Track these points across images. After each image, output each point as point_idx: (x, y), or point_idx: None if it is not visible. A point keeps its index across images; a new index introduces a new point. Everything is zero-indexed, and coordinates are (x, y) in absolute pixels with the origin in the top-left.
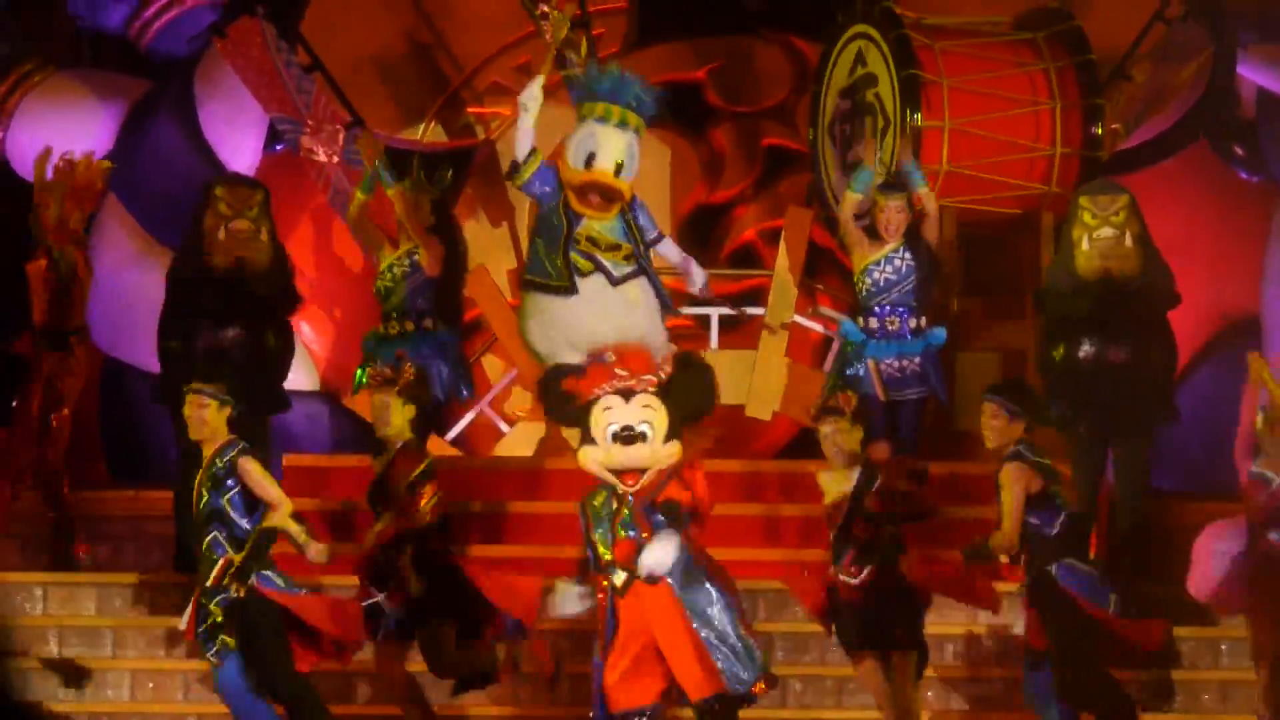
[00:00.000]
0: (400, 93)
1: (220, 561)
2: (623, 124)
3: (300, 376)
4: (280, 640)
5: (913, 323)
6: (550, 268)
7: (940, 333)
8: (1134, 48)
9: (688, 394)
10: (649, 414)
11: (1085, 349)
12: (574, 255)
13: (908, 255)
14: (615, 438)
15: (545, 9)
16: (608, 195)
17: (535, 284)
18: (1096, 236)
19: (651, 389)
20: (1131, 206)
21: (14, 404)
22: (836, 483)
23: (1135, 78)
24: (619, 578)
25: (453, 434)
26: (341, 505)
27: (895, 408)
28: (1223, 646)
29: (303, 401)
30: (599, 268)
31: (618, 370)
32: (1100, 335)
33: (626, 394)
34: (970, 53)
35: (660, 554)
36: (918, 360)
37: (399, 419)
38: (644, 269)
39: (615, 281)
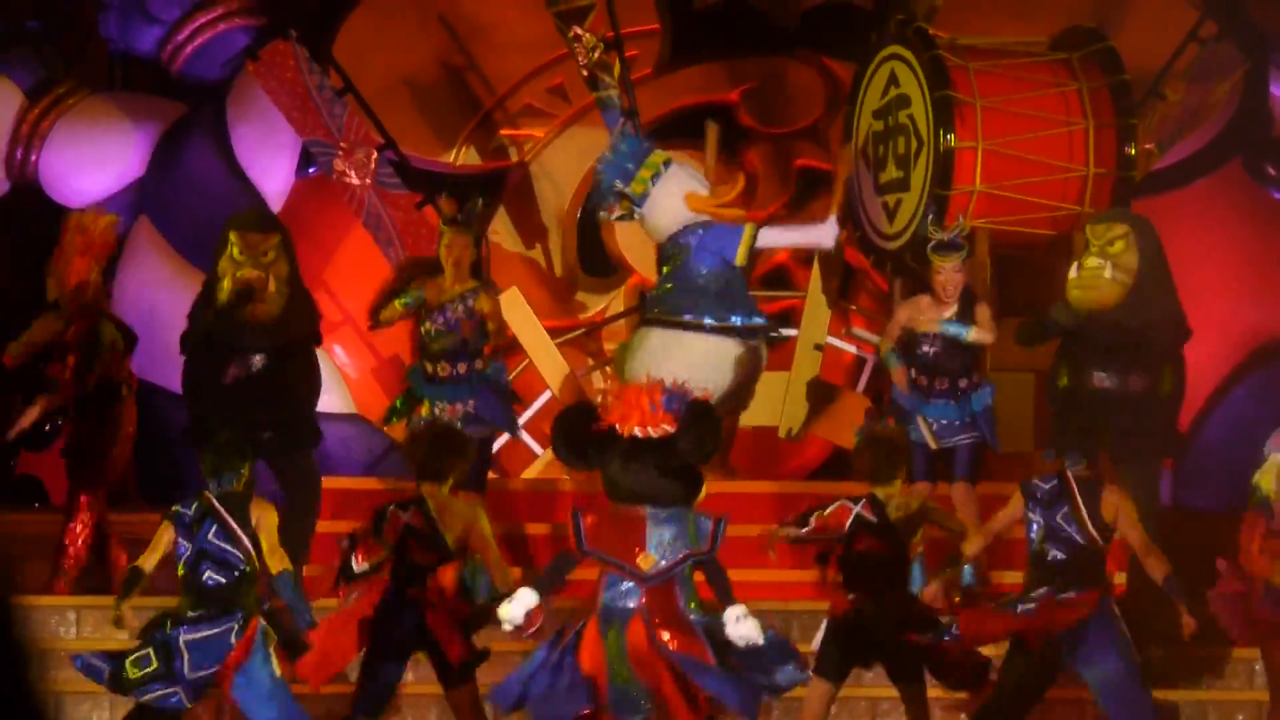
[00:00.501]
0: (433, 115)
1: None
2: (667, 163)
3: (334, 399)
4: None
5: (962, 382)
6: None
7: (987, 392)
8: (1167, 68)
9: (697, 440)
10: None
11: (1083, 377)
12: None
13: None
14: None
15: (578, 31)
16: None
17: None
18: (1083, 265)
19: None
20: (1129, 238)
21: (101, 426)
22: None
23: (1169, 98)
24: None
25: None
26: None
27: (948, 453)
28: (1256, 667)
29: (336, 424)
30: None
31: (650, 409)
32: (1094, 364)
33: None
34: (1004, 73)
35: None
36: (968, 414)
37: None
38: None
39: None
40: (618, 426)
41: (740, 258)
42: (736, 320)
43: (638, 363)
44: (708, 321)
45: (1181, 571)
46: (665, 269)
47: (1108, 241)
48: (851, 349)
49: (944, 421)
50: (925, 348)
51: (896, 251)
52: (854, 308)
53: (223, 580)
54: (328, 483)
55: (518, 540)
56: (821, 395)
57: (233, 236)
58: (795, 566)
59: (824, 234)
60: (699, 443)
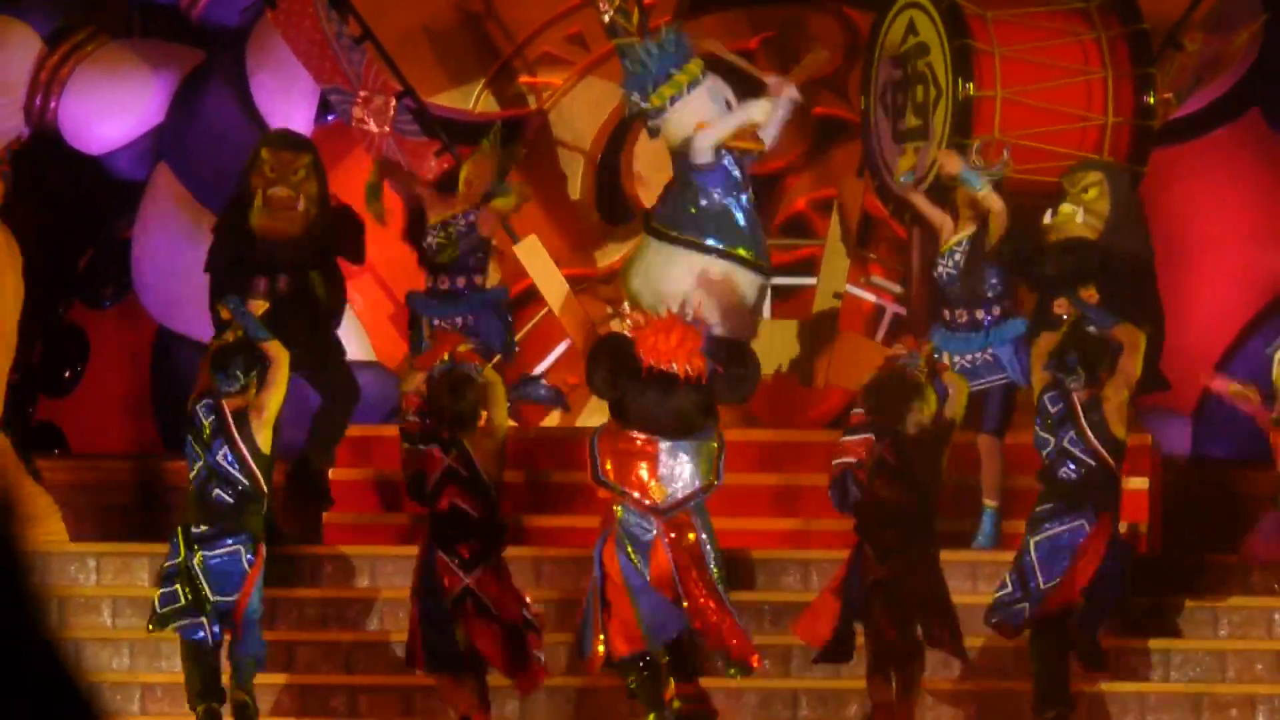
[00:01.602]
0: (451, 63)
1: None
2: (705, 73)
3: (352, 346)
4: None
5: (979, 314)
6: (750, 240)
7: (1017, 323)
8: (1186, 17)
9: (735, 387)
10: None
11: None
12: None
13: (969, 249)
14: None
15: None
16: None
17: (691, 243)
18: (1058, 211)
19: (694, 382)
20: (1102, 185)
21: None
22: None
23: (1187, 47)
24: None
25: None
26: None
27: (977, 399)
28: (1275, 616)
29: (355, 372)
30: None
31: (676, 350)
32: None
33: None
34: (1022, 22)
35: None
36: (990, 350)
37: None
38: None
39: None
40: (655, 361)
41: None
42: (715, 243)
43: (639, 276)
44: (709, 243)
45: (1205, 521)
46: (675, 180)
47: (1082, 189)
48: (870, 297)
49: (967, 360)
50: (940, 269)
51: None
52: (872, 256)
53: (229, 499)
54: (349, 429)
55: (538, 488)
56: (840, 344)
57: (265, 154)
58: (815, 515)
59: (791, 92)
60: (737, 384)
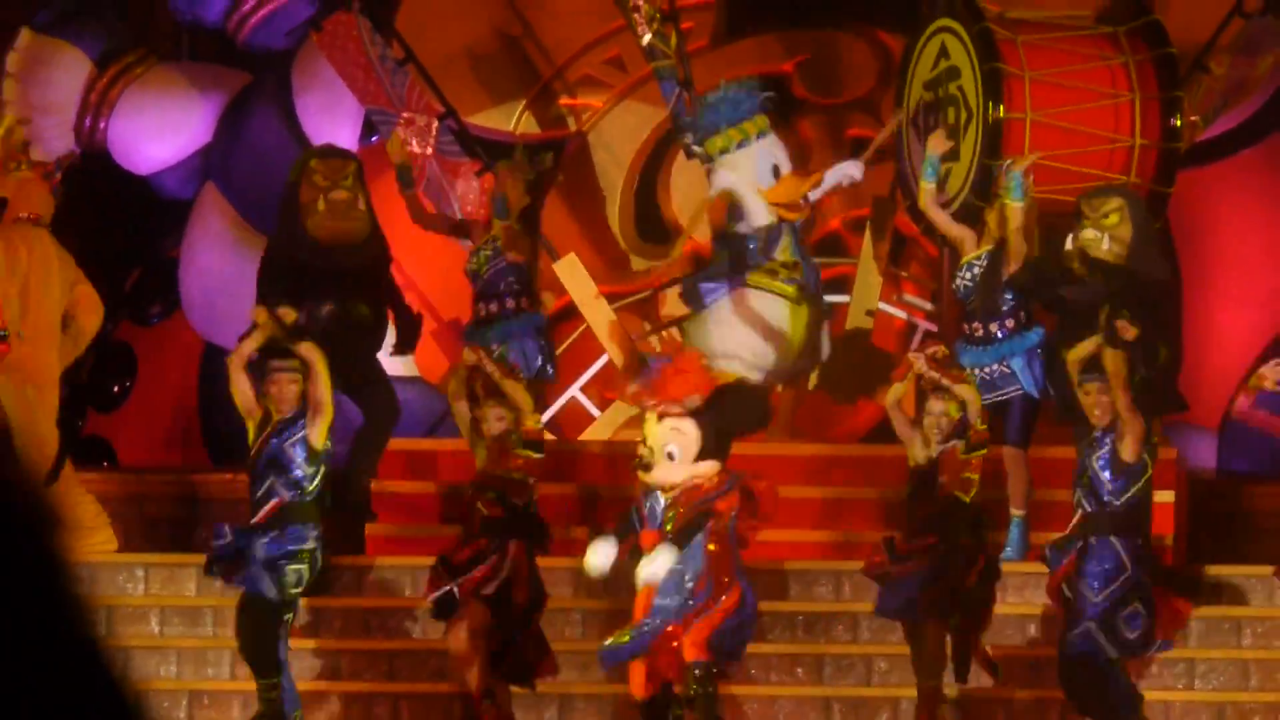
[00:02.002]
0: (492, 85)
1: (272, 503)
2: (762, 133)
3: (394, 362)
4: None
5: (994, 327)
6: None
7: (1032, 335)
8: (1212, 41)
9: (736, 413)
10: (676, 437)
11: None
12: (777, 283)
13: (988, 264)
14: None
15: (637, 2)
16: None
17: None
18: (1080, 238)
19: (680, 413)
20: (1124, 211)
21: None
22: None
23: (1213, 71)
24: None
25: (545, 417)
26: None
27: (998, 410)
28: (1244, 629)
29: (399, 388)
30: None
31: (647, 401)
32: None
33: (660, 415)
34: (1052, 46)
35: (652, 567)
36: (1005, 362)
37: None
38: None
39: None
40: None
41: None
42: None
43: (714, 335)
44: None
45: (1228, 535)
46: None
47: (1103, 215)
48: (902, 314)
49: (984, 373)
50: (958, 281)
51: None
52: (905, 274)
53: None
54: (392, 443)
55: (580, 499)
56: (873, 360)
57: (314, 163)
58: (848, 528)
59: (850, 169)
60: (732, 415)
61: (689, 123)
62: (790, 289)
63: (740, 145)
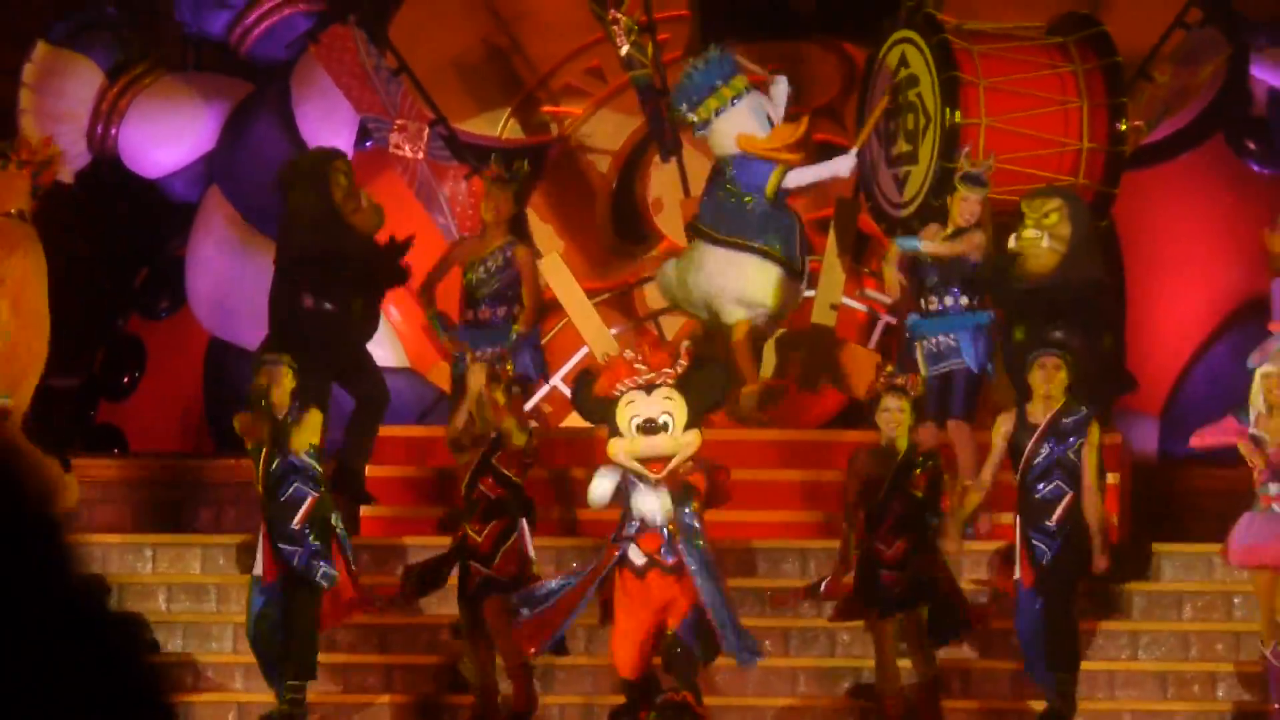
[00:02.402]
0: (480, 93)
1: (308, 501)
2: (749, 88)
3: (387, 354)
4: (317, 597)
5: (949, 300)
6: (786, 247)
7: (982, 314)
8: (1156, 51)
9: (704, 389)
10: (669, 405)
11: (1039, 334)
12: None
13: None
14: (639, 429)
15: (615, 15)
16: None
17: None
18: (1021, 236)
19: (670, 381)
20: (1063, 210)
21: None
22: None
23: (1157, 79)
24: (639, 558)
25: (528, 406)
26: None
27: (941, 382)
28: (1235, 600)
29: (391, 377)
30: None
31: (637, 365)
32: (1048, 324)
33: (648, 388)
34: (1005, 56)
35: (596, 492)
36: (952, 335)
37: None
38: None
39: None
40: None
41: (768, 192)
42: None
43: (702, 277)
44: (757, 245)
45: (1169, 515)
46: (715, 186)
47: (1043, 214)
48: (864, 308)
49: (934, 341)
50: (923, 266)
51: (906, 219)
52: (867, 270)
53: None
54: (385, 430)
55: (559, 481)
56: (836, 350)
57: (340, 164)
58: (813, 508)
59: (842, 165)
60: (703, 387)
61: (680, 93)
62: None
63: (734, 101)
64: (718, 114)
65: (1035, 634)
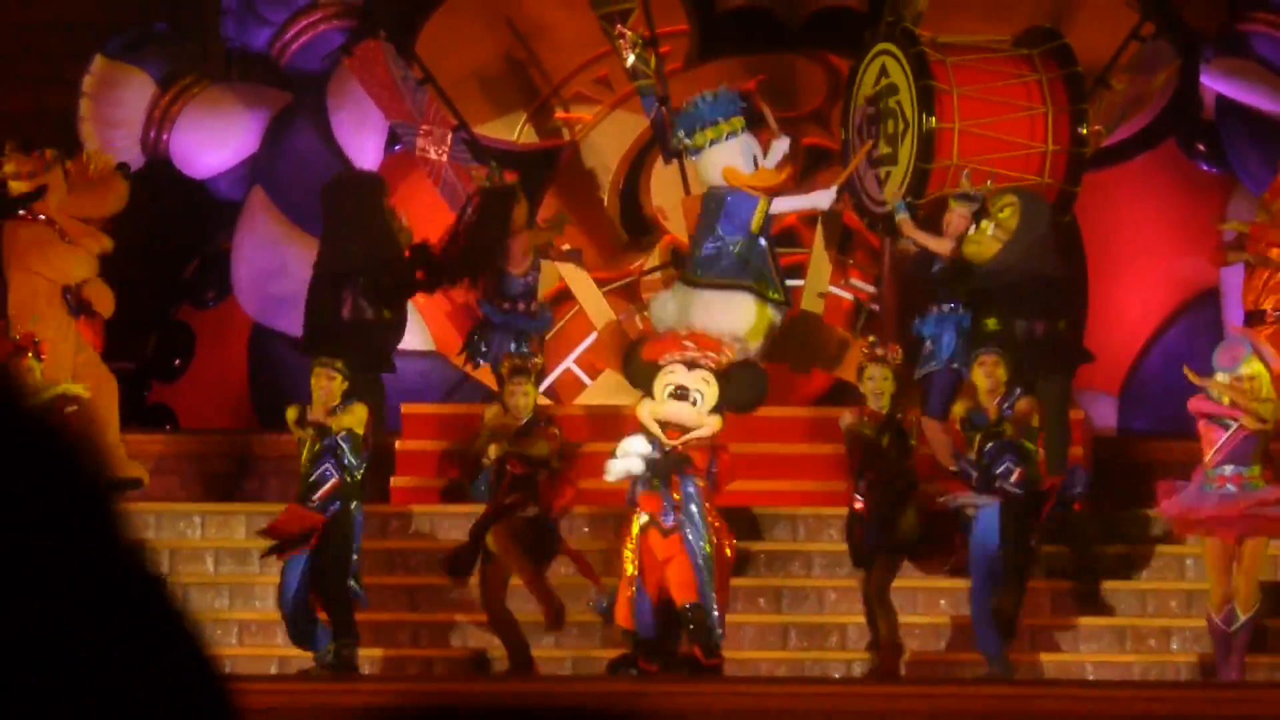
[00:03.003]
0: (499, 101)
1: (332, 482)
2: (744, 129)
3: (415, 339)
4: (348, 555)
5: (931, 308)
6: (772, 280)
7: (962, 318)
8: (1113, 61)
9: (739, 386)
10: (703, 384)
11: (1007, 321)
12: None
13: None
14: (671, 395)
15: (621, 30)
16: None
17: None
18: (977, 227)
19: (712, 366)
20: (1016, 206)
21: None
22: (856, 420)
23: (1114, 86)
24: (640, 518)
25: (544, 385)
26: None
27: (924, 382)
28: (1187, 562)
29: (419, 360)
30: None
31: (686, 343)
32: (1011, 310)
33: (690, 365)
34: (976, 66)
35: (618, 462)
36: (932, 338)
37: (531, 399)
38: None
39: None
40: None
41: (754, 226)
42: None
43: (698, 315)
44: (750, 284)
45: (1127, 484)
46: (701, 225)
47: (999, 208)
48: (849, 296)
49: (923, 348)
50: (938, 266)
51: (887, 215)
52: (851, 261)
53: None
54: (412, 408)
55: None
56: (824, 336)
57: (386, 186)
58: (803, 478)
59: (822, 199)
60: (740, 384)
61: (683, 118)
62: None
63: (729, 137)
64: (711, 144)
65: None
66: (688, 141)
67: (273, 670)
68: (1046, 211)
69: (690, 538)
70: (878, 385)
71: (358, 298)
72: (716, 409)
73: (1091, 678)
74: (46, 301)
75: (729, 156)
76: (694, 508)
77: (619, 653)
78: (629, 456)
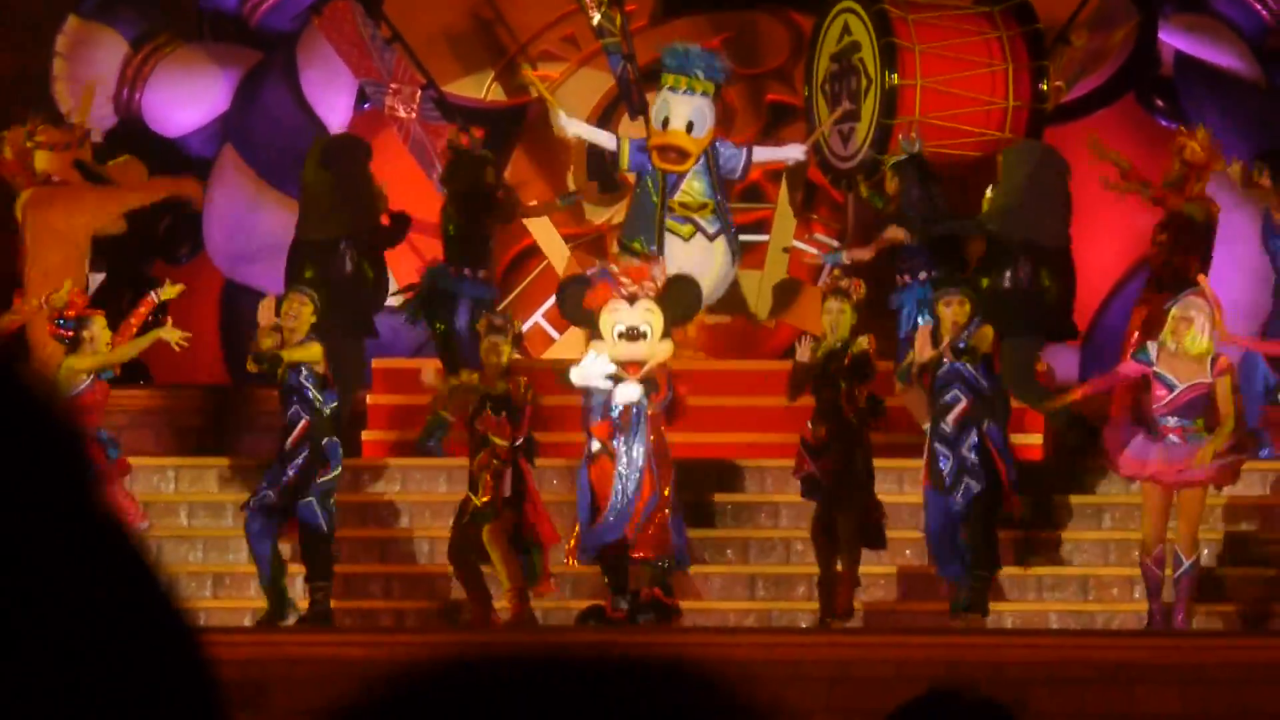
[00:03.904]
0: (466, 59)
1: (302, 424)
2: (689, 90)
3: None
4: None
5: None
6: (644, 236)
7: (922, 289)
8: (1073, 19)
9: (678, 302)
10: (649, 316)
11: (996, 279)
12: (671, 223)
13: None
14: (621, 336)
15: None
16: (681, 152)
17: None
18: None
19: (651, 295)
20: (1008, 158)
21: None
22: (810, 348)
23: (1074, 43)
24: (594, 445)
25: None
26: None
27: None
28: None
29: (391, 318)
30: (697, 229)
31: (622, 279)
32: (1001, 268)
33: (631, 299)
34: (938, 23)
35: (582, 369)
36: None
37: (506, 359)
38: (725, 223)
39: (710, 237)
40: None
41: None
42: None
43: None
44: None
45: (1090, 434)
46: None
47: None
48: (813, 250)
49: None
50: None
51: (849, 170)
52: (815, 217)
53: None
54: (383, 363)
55: (540, 408)
56: (789, 289)
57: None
58: (768, 430)
59: (795, 152)
60: (678, 299)
61: (673, 55)
62: (685, 229)
63: (686, 91)
64: (671, 90)
65: (939, 533)
66: (664, 75)
67: (246, 622)
68: (1046, 161)
69: (632, 460)
70: (834, 318)
71: (341, 262)
72: (665, 332)
73: (1055, 627)
74: (74, 266)
75: (679, 111)
76: (640, 443)
77: (588, 604)
78: (592, 374)
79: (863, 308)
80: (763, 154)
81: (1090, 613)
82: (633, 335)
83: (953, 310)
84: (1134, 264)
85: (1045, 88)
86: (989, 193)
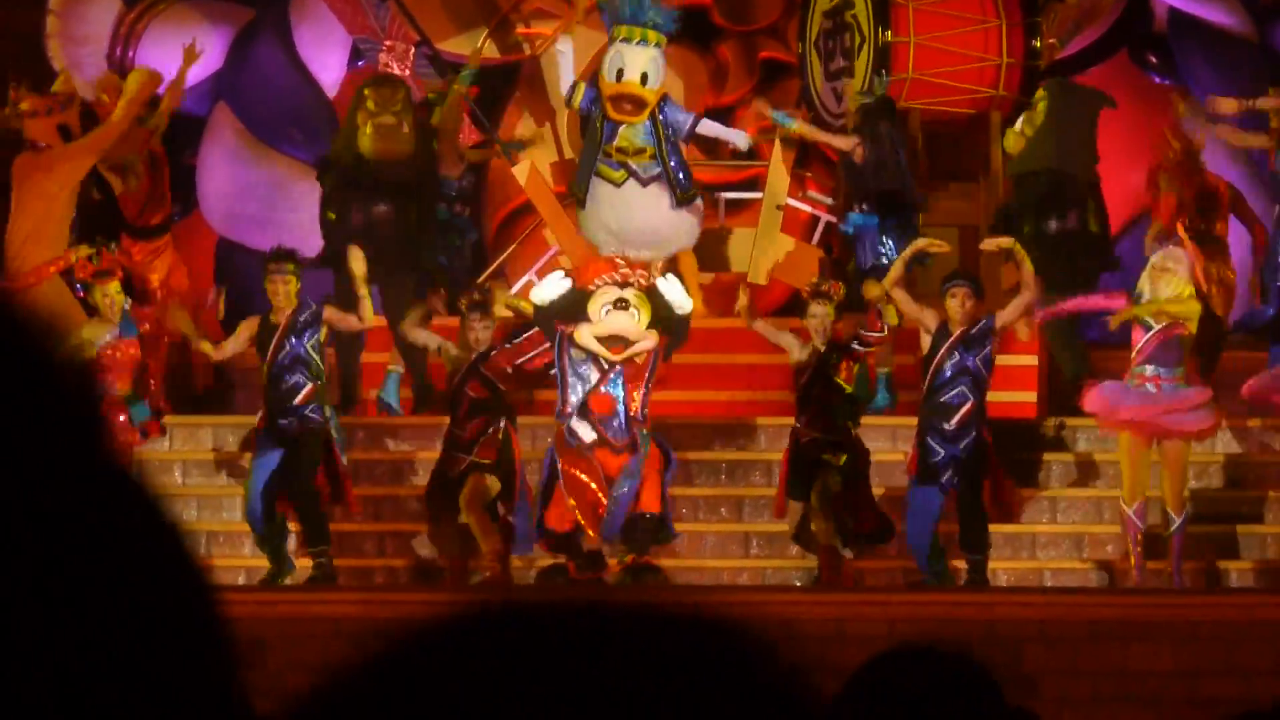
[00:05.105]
0: (460, 16)
1: (307, 388)
2: (643, 41)
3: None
4: (316, 461)
5: (855, 208)
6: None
7: (873, 219)
8: None
9: (668, 310)
10: (641, 302)
11: (1038, 223)
12: (605, 168)
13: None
14: (610, 309)
15: None
16: (637, 102)
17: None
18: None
19: (642, 285)
20: (1045, 101)
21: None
22: (799, 350)
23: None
24: (588, 435)
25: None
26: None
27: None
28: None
29: None
30: (631, 173)
31: (618, 260)
32: (1041, 212)
33: (622, 284)
34: None
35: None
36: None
37: (490, 333)
38: (665, 168)
39: (644, 182)
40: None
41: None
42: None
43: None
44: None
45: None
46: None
47: (1035, 100)
48: (807, 208)
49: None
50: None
51: (842, 128)
52: (808, 175)
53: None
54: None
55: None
56: (782, 247)
57: (367, 91)
58: (762, 388)
59: (739, 138)
60: (667, 309)
61: (623, 3)
62: (618, 174)
63: (640, 42)
64: (623, 41)
65: (919, 534)
66: (610, 24)
67: (240, 580)
68: (1088, 107)
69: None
70: (820, 322)
71: (371, 199)
72: (653, 324)
73: (1049, 584)
74: (55, 229)
75: (632, 60)
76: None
77: (551, 562)
78: (548, 289)
79: (843, 309)
80: (709, 128)
81: (1084, 570)
82: (622, 305)
83: (959, 301)
84: (1127, 221)
85: (1038, 45)
86: (1017, 127)
